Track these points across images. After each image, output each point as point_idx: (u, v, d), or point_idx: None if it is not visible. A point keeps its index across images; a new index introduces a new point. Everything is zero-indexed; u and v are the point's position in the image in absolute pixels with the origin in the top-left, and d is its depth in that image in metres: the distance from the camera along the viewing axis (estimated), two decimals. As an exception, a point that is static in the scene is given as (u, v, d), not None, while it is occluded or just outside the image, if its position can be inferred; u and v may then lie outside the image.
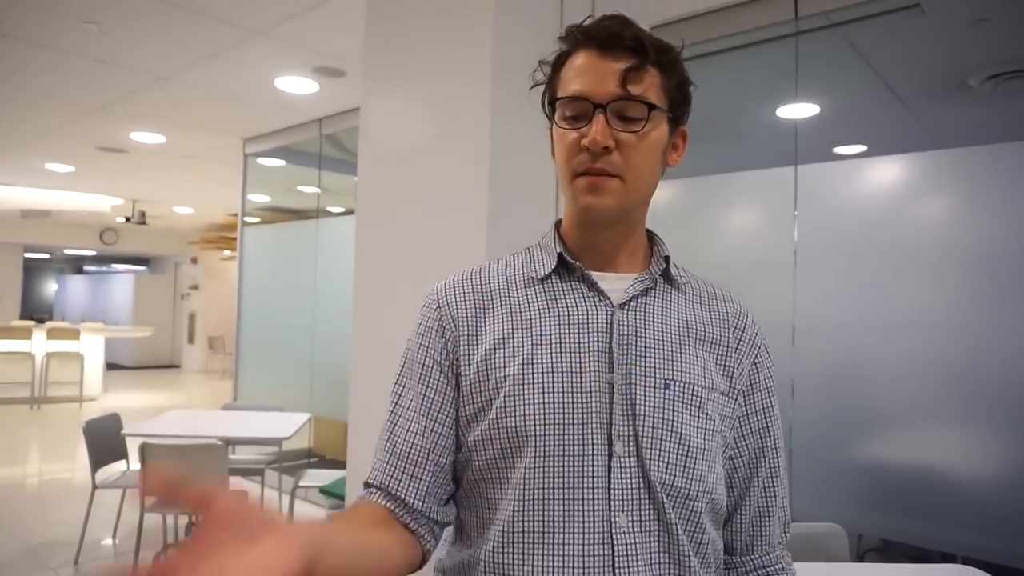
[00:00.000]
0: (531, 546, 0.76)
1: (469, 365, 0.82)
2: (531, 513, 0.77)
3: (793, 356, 2.34)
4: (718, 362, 0.84)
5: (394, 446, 0.84)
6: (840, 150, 2.64)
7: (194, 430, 3.46)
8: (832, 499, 2.31)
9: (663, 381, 0.79)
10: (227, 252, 12.71)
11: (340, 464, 3.96)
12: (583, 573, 0.74)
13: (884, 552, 2.32)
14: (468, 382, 0.82)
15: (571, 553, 0.75)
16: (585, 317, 0.82)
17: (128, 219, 9.69)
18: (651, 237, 0.91)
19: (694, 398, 0.80)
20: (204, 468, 3.12)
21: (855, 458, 2.29)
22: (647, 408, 0.78)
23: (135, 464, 3.34)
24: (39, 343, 8.94)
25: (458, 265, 0.91)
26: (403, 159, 2.31)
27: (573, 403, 0.78)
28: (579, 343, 0.80)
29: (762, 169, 2.64)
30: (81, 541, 3.62)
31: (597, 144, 0.77)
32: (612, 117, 0.78)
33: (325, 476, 3.95)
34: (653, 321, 0.83)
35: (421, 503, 0.81)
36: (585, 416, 0.77)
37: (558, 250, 0.85)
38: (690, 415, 0.79)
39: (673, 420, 0.78)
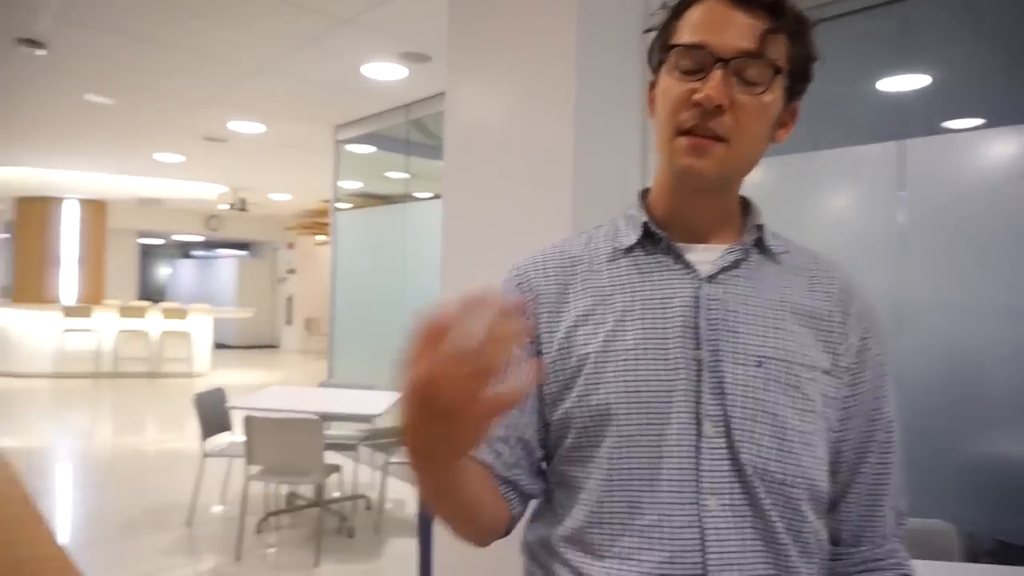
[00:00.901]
0: (618, 526, 0.75)
1: (551, 343, 0.81)
2: (617, 492, 0.76)
3: (899, 342, 2.22)
4: (819, 338, 0.79)
5: None
6: (952, 124, 2.46)
7: (293, 405, 3.63)
8: (940, 495, 2.18)
9: (755, 358, 0.76)
10: (320, 237, 13.19)
11: (428, 442, 4.06)
12: (671, 555, 0.72)
13: (999, 555, 2.17)
14: (551, 360, 0.81)
15: (658, 535, 0.73)
16: (671, 291, 0.79)
17: (231, 206, 10.21)
18: (745, 204, 0.86)
19: (790, 376, 0.76)
20: (301, 440, 3.28)
21: (966, 451, 2.15)
22: (738, 387, 0.75)
23: (239, 435, 3.56)
24: (155, 322, 9.60)
25: (543, 245, 0.90)
26: (488, 141, 2.33)
27: (658, 380, 0.75)
28: (663, 318, 0.78)
29: (865, 145, 2.50)
30: (193, 505, 3.89)
31: (712, 100, 0.72)
32: (732, 75, 0.73)
33: (414, 453, 4.07)
34: (744, 295, 0.79)
35: (507, 473, 0.82)
36: (671, 394, 0.75)
37: (643, 219, 0.82)
38: (786, 395, 0.75)
39: (766, 400, 0.74)
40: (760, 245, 0.83)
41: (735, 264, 0.80)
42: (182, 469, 4.84)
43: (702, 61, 0.74)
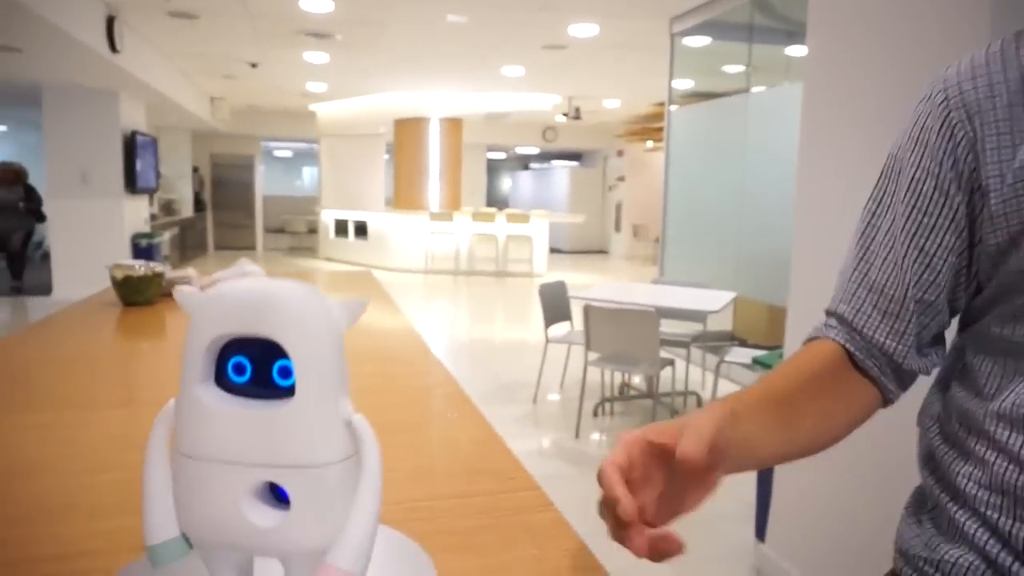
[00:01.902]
0: None
1: (1001, 175, 0.60)
2: None
3: None
4: None
5: (866, 274, 0.69)
6: None
7: (627, 298, 3.71)
8: None
9: None
10: (650, 143, 13.13)
11: (762, 348, 3.87)
12: None
13: None
14: (1000, 199, 0.60)
15: None
16: None
17: (566, 115, 10.65)
18: None
19: None
20: (637, 332, 3.35)
21: None
22: None
23: (577, 326, 3.78)
24: (501, 227, 10.68)
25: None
26: (866, 4, 1.97)
27: None
28: None
29: None
30: (537, 384, 4.30)
31: None
32: None
33: (750, 355, 3.91)
34: None
35: (895, 346, 0.66)
36: None
37: None
38: None
39: None
40: None
41: None
42: (526, 355, 5.36)
43: None
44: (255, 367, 0.40)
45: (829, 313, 0.73)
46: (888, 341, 0.67)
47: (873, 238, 0.70)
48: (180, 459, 0.40)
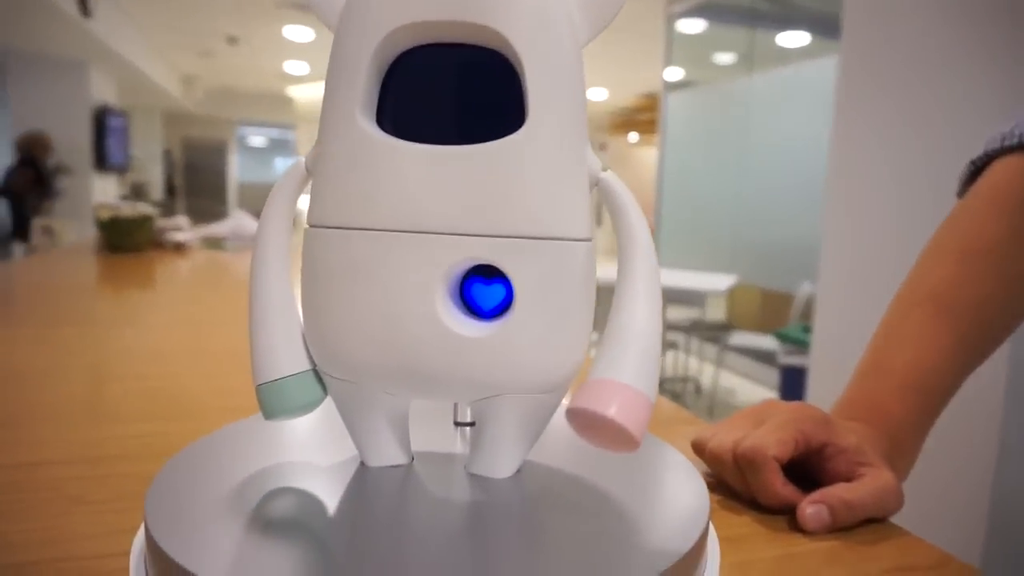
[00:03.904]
0: None
1: None
2: None
3: None
4: None
5: None
6: None
7: (629, 278, 3.59)
8: None
9: None
10: (634, 137, 13.08)
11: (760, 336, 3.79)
12: None
13: None
14: None
15: None
16: None
17: (550, 105, 10.52)
18: None
19: None
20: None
21: None
22: None
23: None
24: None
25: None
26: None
27: None
28: None
29: None
30: (532, 369, 4.16)
31: None
32: None
33: (751, 339, 3.83)
34: None
35: None
36: None
37: None
38: None
39: None
40: None
41: None
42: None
43: None
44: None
45: None
46: None
47: None
48: (324, 239, 0.25)
